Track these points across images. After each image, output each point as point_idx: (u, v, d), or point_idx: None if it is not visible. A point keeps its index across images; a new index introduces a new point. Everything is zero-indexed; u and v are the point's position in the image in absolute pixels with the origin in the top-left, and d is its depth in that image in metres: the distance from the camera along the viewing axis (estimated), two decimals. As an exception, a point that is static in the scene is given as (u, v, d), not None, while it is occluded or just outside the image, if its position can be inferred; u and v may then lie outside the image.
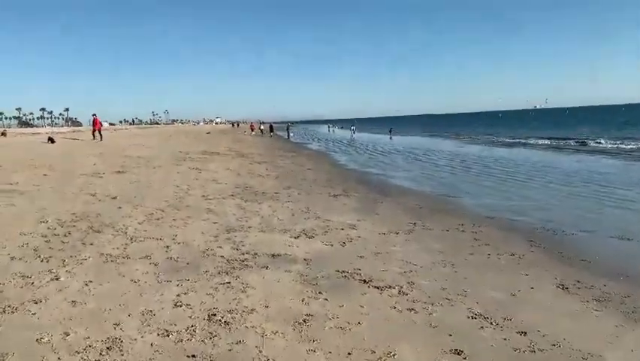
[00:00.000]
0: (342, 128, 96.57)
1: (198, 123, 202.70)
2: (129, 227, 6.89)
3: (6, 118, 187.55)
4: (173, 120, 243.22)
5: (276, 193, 10.71)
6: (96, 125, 30.82)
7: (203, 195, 9.91)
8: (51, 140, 26.39)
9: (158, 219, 7.49)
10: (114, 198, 9.11)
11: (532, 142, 36.48)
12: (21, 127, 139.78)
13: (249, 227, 7.21)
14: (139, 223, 7.13)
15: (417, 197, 11.20)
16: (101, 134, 30.22)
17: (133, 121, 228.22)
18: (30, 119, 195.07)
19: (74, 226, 6.74)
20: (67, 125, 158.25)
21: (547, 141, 36.40)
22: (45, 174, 11.91)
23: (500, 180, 14.58)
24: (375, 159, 24.49)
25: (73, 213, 7.52)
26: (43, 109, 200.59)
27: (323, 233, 6.99)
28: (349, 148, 34.39)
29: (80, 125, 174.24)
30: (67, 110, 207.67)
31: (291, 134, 56.44)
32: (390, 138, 53.68)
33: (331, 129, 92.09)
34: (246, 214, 8.13)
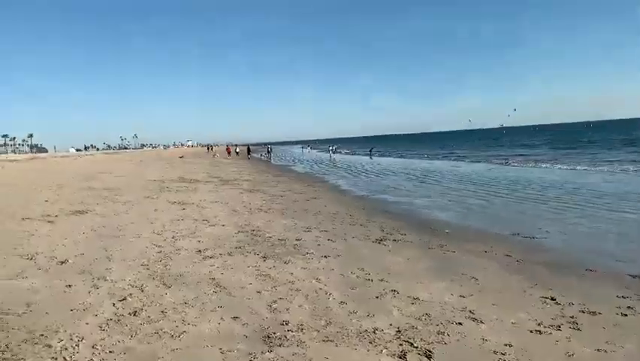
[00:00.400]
0: (311, 148, 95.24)
1: (168, 147, 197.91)
2: (78, 348, 3.53)
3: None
4: (143, 145, 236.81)
5: (298, 240, 7.70)
6: None
7: (199, 251, 6.80)
8: None
9: (134, 313, 4.24)
10: (62, 263, 5.90)
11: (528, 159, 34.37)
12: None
13: (298, 328, 4.04)
14: (100, 331, 3.84)
15: (487, 239, 8.24)
16: None
17: (101, 146, 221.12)
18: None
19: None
20: (32, 152, 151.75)
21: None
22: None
23: (557, 210, 11.86)
24: (376, 182, 21.71)
25: None
26: (5, 135, 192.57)
27: (439, 339, 3.87)
28: (339, 170, 31.56)
29: (46, 150, 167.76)
30: (30, 136, 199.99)
31: (271, 156, 53.70)
32: (371, 158, 51.47)
33: (305, 150, 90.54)
34: (276, 290, 5.01)
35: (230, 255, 6.60)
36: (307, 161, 49.35)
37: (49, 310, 4.19)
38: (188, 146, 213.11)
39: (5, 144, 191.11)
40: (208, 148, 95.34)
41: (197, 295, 4.76)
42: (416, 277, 5.70)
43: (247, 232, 8.42)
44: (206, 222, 9.37)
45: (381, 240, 7.93)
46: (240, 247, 7.08)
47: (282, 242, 7.55)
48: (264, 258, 6.46)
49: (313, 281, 5.36)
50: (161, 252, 6.69)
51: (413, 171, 28.53)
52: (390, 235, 8.50)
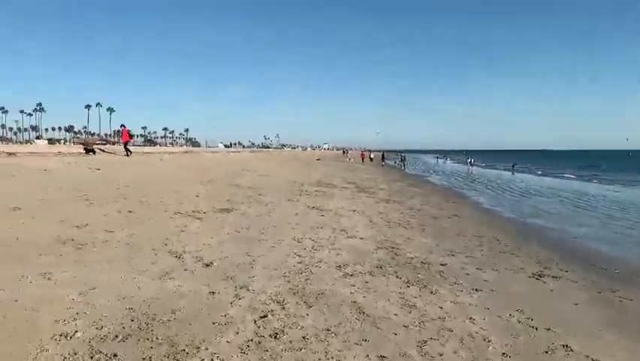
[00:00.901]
0: (448, 159, 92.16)
1: (306, 149, 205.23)
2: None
3: (134, 135, 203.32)
4: (283, 145, 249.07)
5: (443, 266, 7.08)
6: (123, 137, 27.31)
7: (338, 266, 6.53)
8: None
9: (275, 335, 3.98)
10: (207, 265, 5.99)
11: None
12: (146, 145, 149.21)
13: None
14: (241, 353, 3.62)
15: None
16: (128, 149, 26.35)
17: (246, 144, 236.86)
18: (155, 137, 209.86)
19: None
20: (187, 145, 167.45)
21: None
22: (130, 211, 9.32)
23: None
24: (522, 202, 20.00)
25: (122, 325, 3.87)
26: (165, 128, 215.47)
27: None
28: (478, 185, 29.89)
29: (199, 145, 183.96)
30: (187, 130, 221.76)
31: (405, 164, 52.86)
32: (513, 173, 48.17)
33: (440, 160, 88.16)
34: (425, 327, 4.41)
35: (371, 275, 6.22)
36: (443, 172, 47.80)
37: (193, 320, 4.14)
38: (325, 149, 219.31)
39: (165, 136, 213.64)
40: (344, 152, 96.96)
41: (340, 322, 4.43)
42: (591, 331, 4.81)
43: (387, 248, 8.00)
44: (344, 232, 9.14)
45: (539, 275, 7.00)
46: (381, 267, 6.67)
47: (426, 266, 7.00)
48: (408, 283, 5.98)
49: (466, 321, 4.75)
50: (301, 262, 6.53)
51: (563, 192, 25.94)
52: (548, 269, 7.50)
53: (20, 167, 14.29)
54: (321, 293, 5.24)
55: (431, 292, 5.69)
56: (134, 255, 6.16)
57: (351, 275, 6.12)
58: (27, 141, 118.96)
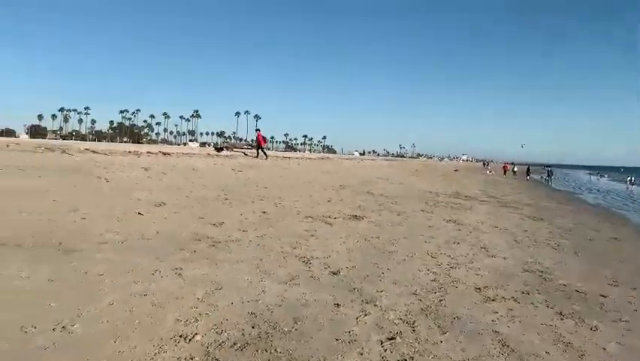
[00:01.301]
0: (602, 176, 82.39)
1: (443, 159, 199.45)
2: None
3: (276, 142, 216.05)
4: (419, 154, 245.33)
5: (604, 297, 5.97)
6: (260, 141, 28.06)
7: (478, 288, 5.83)
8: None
9: (403, 360, 3.55)
10: (334, 273, 5.68)
11: None
12: (286, 150, 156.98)
13: None
14: None
15: None
16: (265, 152, 27.53)
17: (381, 152, 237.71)
18: (295, 144, 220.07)
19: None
20: (324, 152, 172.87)
21: None
22: (264, 212, 9.45)
23: None
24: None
25: (242, 332, 3.77)
26: (305, 136, 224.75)
27: None
28: (641, 206, 26.20)
29: (335, 152, 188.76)
30: (324, 137, 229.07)
31: (551, 179, 48.50)
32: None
33: (593, 177, 79.55)
34: None
35: (516, 301, 5.45)
36: (597, 190, 42.91)
37: (315, 334, 3.85)
38: (463, 160, 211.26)
39: (304, 143, 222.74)
40: (484, 164, 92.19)
41: (480, 354, 3.82)
42: None
43: (534, 271, 7.06)
44: (484, 250, 8.32)
45: None
46: (528, 293, 5.84)
47: (582, 296, 5.99)
48: (561, 315, 5.11)
49: (639, 372, 3.86)
50: (435, 280, 5.97)
51: None
52: None
53: (172, 166, 15.48)
54: (458, 318, 4.65)
55: (590, 329, 4.78)
56: (263, 256, 6.12)
57: (492, 300, 5.41)
58: (183, 144, 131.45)
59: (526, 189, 31.86)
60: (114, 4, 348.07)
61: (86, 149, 15.07)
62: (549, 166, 56.39)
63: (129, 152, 16.87)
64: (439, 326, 4.35)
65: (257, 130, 29.15)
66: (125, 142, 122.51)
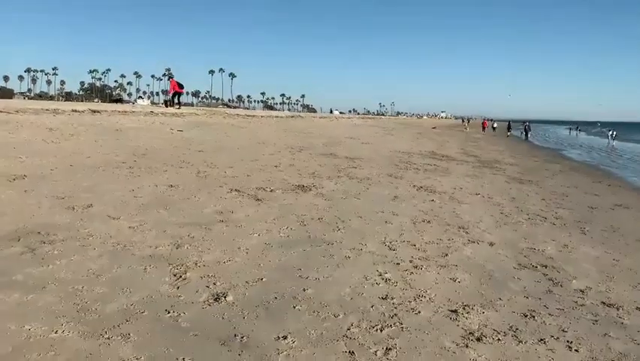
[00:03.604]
0: (580, 130, 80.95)
1: (422, 117, 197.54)
2: None
3: (253, 101, 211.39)
4: (398, 113, 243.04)
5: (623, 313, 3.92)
6: (172, 89, 25.02)
7: (453, 311, 3.59)
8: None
9: None
10: (216, 300, 3.36)
11: None
12: (265, 110, 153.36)
13: None
14: None
15: None
16: (179, 103, 25.21)
17: (361, 112, 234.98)
18: (273, 104, 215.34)
19: None
20: (303, 111, 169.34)
21: None
22: (172, 185, 7.06)
23: None
24: None
25: None
26: (282, 94, 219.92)
27: None
28: (630, 163, 24.42)
29: (315, 111, 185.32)
30: (302, 96, 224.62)
31: (529, 135, 46.65)
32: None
33: (572, 132, 78.18)
34: None
35: (516, 338, 3.24)
36: (580, 146, 41.27)
37: None
38: (442, 117, 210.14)
39: (283, 102, 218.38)
40: (463, 120, 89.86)
41: None
42: None
43: (535, 267, 4.89)
44: (463, 231, 6.11)
45: None
46: (533, 316, 3.63)
47: (615, 316, 3.84)
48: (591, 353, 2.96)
49: None
50: (387, 297, 3.71)
51: None
52: None
53: (89, 126, 12.85)
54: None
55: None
56: (116, 262, 3.78)
57: (477, 338, 3.20)
58: (132, 102, 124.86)
59: (508, 147, 29.85)
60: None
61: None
62: (527, 122, 54.56)
63: (47, 110, 14.15)
64: None
65: (169, 78, 26.53)
66: (95, 103, 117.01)
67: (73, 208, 5.21)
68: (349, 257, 4.63)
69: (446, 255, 5.02)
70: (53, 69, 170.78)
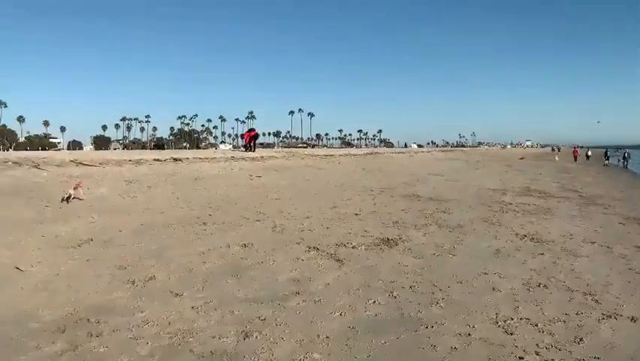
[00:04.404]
0: None
1: (505, 147, 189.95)
2: None
3: (331, 138, 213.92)
4: (480, 143, 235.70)
5: None
6: (245, 139, 28.86)
7: None
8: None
9: None
10: None
11: None
12: (342, 146, 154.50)
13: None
14: None
15: None
16: (254, 145, 28.26)
17: (440, 143, 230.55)
18: (350, 140, 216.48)
19: None
20: (380, 146, 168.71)
21: None
22: (245, 244, 6.45)
23: None
24: None
25: None
26: (360, 130, 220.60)
27: None
28: None
29: (392, 145, 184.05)
30: (379, 131, 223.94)
31: (629, 163, 42.59)
32: None
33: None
34: None
35: None
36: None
37: None
38: (527, 146, 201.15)
39: (360, 138, 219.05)
40: (553, 149, 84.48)
41: None
42: None
43: None
44: (592, 299, 4.91)
45: None
46: None
47: None
48: None
49: None
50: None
51: None
52: None
53: (168, 176, 12.78)
54: None
55: None
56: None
57: None
58: (213, 145, 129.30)
59: (609, 178, 27.12)
60: (152, 12, 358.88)
61: (71, 161, 12.69)
62: (622, 148, 49.71)
63: (130, 160, 14.38)
64: None
65: (249, 130, 29.90)
66: (185, 147, 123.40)
67: (134, 282, 4.69)
68: (456, 348, 3.67)
69: (581, 340, 3.92)
70: (146, 117, 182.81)
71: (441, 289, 5.07)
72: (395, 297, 4.78)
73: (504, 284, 5.37)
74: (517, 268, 6.06)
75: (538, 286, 5.38)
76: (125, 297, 4.32)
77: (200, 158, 17.47)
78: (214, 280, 4.95)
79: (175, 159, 16.16)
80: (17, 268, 4.83)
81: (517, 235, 8.23)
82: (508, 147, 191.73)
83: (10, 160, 11.32)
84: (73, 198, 8.46)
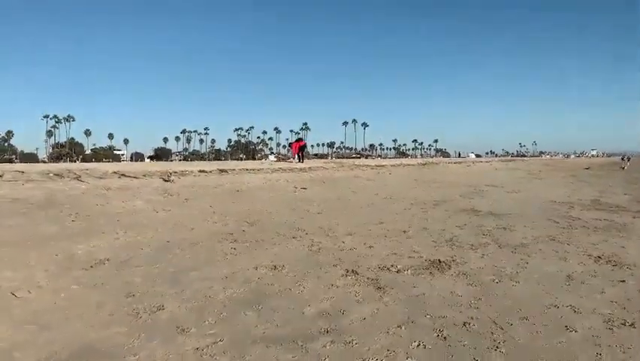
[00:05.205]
0: None
1: (569, 156, 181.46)
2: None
3: (386, 148, 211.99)
4: (541, 152, 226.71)
5: None
6: (294, 150, 31.02)
7: None
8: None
9: None
10: None
11: None
12: (396, 157, 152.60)
13: None
14: None
15: None
16: (301, 157, 29.76)
17: (499, 152, 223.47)
18: (405, 150, 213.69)
19: None
20: (436, 155, 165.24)
21: None
22: (276, 267, 5.77)
23: None
24: None
25: None
26: (414, 140, 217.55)
27: None
28: None
29: (448, 155, 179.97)
30: (436, 141, 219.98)
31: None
32: None
33: None
34: None
35: None
36: None
37: None
38: (592, 156, 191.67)
39: (415, 148, 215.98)
40: (623, 158, 79.25)
41: None
42: None
43: None
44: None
45: None
46: None
47: None
48: None
49: None
50: None
51: None
52: None
53: (209, 188, 12.36)
54: None
55: None
56: None
57: None
58: (264, 156, 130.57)
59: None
60: (206, 26, 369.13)
61: (114, 172, 12.54)
62: None
63: (175, 172, 14.13)
64: None
65: (297, 140, 31.77)
66: (241, 158, 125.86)
67: (137, 314, 4.09)
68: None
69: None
70: (205, 129, 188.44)
71: (502, 328, 4.17)
72: (445, 338, 3.93)
73: (580, 321, 4.40)
74: (594, 300, 5.05)
75: (623, 325, 4.38)
76: (122, 333, 3.72)
77: (247, 169, 17.09)
78: (231, 311, 4.29)
79: (221, 170, 15.83)
80: (13, 294, 4.35)
81: (589, 256, 7.12)
82: (572, 156, 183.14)
83: (51, 172, 11.25)
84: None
